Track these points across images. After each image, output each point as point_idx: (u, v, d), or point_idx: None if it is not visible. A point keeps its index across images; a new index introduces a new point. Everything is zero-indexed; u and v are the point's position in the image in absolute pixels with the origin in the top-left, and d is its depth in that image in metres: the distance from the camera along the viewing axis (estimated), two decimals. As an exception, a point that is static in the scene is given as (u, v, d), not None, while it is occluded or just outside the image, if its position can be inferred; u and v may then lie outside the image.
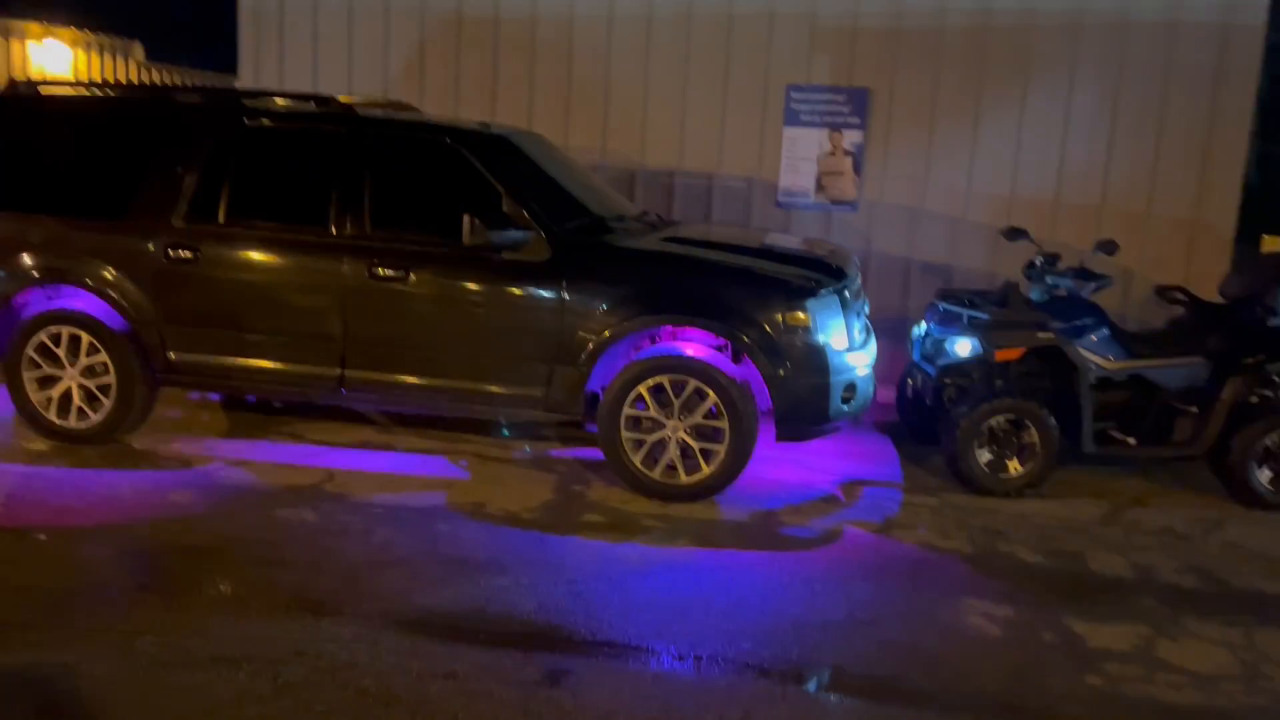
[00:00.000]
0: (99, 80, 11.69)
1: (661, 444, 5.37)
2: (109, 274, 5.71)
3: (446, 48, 7.91)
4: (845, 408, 5.42)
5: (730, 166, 7.72)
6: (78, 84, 8.58)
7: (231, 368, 5.72)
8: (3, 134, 6.02)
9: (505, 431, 6.33)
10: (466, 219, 5.21)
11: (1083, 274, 5.99)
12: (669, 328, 5.51)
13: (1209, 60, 7.09)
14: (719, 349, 5.46)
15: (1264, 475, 5.77)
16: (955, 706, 3.67)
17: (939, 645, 4.09)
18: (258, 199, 5.74)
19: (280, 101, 5.99)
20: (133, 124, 5.92)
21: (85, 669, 3.62)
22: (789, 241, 6.51)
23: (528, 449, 5.65)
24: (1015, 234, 6.22)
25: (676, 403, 5.32)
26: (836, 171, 7.58)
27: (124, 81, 12.36)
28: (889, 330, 6.96)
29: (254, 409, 6.71)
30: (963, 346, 5.91)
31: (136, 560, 4.53)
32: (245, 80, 8.12)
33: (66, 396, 5.81)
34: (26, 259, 5.77)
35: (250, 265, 5.65)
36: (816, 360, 5.28)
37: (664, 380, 5.32)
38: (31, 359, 5.78)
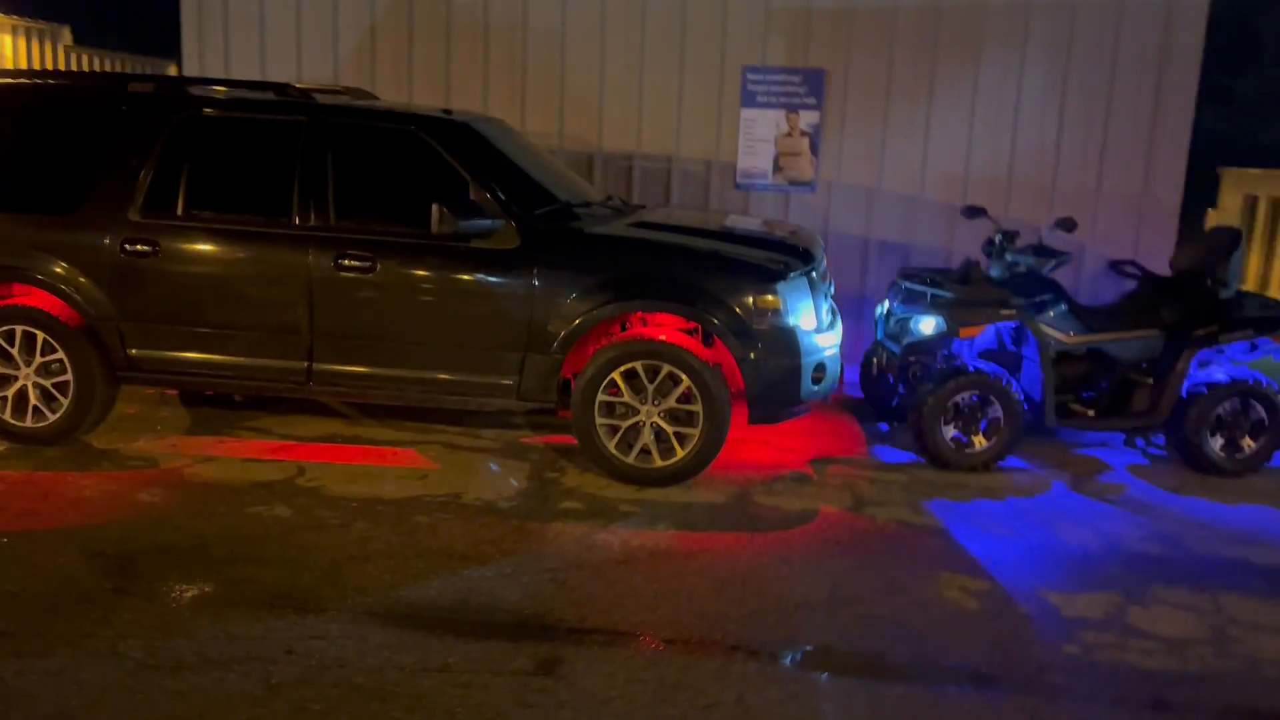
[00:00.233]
0: (27, 68, 11.31)
1: (636, 429, 5.39)
2: (62, 269, 5.56)
3: (398, 31, 7.79)
4: (816, 388, 5.49)
5: (688, 149, 7.73)
6: (23, 73, 8.32)
7: (195, 363, 5.62)
8: (-55, 127, 5.82)
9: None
10: (435, 208, 5.16)
11: (1042, 250, 6.11)
12: (640, 313, 5.53)
13: (1155, 39, 7.25)
14: (690, 333, 5.49)
15: (1217, 443, 5.96)
16: (942, 679, 3.76)
17: (921, 620, 4.18)
18: (217, 190, 5.63)
19: (237, 90, 5.86)
20: (83, 114, 5.75)
21: (72, 676, 3.55)
22: (752, 224, 6.55)
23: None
24: (974, 212, 6.31)
25: (650, 388, 5.34)
26: (794, 152, 7.63)
27: (64, 70, 11.97)
28: (850, 309, 7.03)
29: (216, 404, 6.59)
30: (927, 324, 6.00)
31: (111, 562, 4.43)
32: (190, 68, 7.92)
33: (22, 396, 5.67)
34: (-25, 256, 5.60)
35: (212, 258, 5.54)
36: (787, 342, 5.34)
37: (637, 365, 5.33)
38: (-16, 358, 5.63)
